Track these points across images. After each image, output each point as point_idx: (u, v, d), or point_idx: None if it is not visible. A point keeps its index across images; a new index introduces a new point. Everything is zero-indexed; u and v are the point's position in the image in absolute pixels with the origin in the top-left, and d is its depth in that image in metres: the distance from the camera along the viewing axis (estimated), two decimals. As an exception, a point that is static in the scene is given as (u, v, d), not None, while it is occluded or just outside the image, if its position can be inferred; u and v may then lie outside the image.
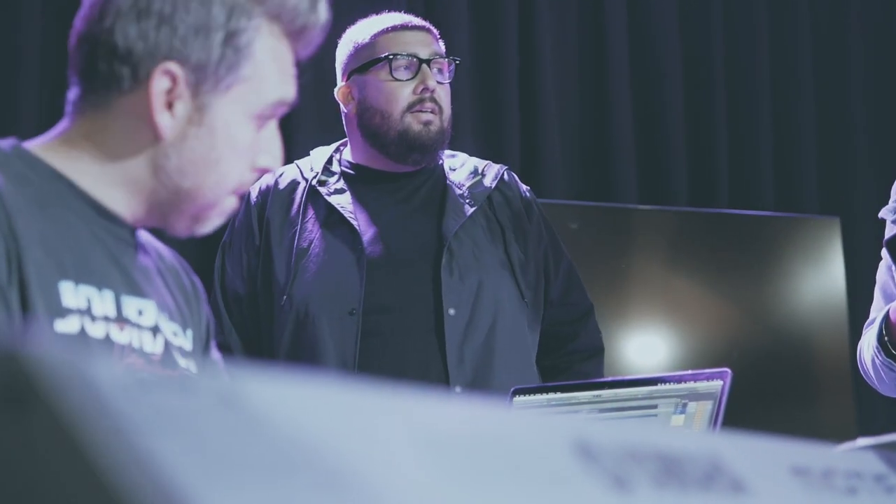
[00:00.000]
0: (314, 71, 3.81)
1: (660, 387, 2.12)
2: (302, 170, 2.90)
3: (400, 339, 2.73)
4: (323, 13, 1.59)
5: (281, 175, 2.90)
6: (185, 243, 3.16)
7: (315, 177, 2.86)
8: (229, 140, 1.52)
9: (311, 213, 2.82)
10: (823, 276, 4.45)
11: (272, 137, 1.59)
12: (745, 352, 4.26)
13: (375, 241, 2.79)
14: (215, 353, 1.79)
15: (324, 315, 2.73)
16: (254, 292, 2.84)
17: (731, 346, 4.26)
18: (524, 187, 3.02)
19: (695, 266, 4.34)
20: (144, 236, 1.68)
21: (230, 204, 1.59)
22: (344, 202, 2.82)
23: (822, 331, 4.42)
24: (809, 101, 4.95)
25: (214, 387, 0.50)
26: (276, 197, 2.86)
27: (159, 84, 1.50)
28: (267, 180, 2.89)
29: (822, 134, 5.00)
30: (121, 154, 1.53)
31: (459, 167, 2.96)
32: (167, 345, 1.58)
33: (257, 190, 2.89)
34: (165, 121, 1.50)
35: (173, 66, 1.49)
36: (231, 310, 2.86)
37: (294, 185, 2.87)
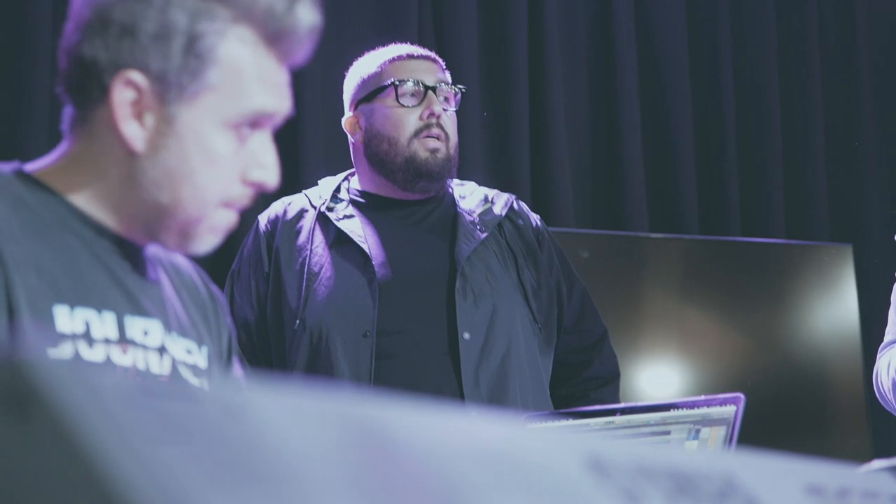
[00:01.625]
0: (321, 100, 3.84)
1: (673, 412, 2.11)
2: (310, 198, 2.91)
3: (414, 361, 2.73)
4: (305, 16, 1.53)
5: (290, 204, 2.91)
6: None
7: (324, 203, 2.87)
8: (202, 150, 1.48)
9: (320, 238, 2.83)
10: (836, 304, 4.44)
11: (264, 150, 1.54)
12: (759, 380, 4.24)
13: (386, 264, 2.79)
14: (237, 367, 1.77)
15: (337, 337, 2.72)
16: (263, 319, 2.85)
17: (744, 374, 4.24)
18: (534, 216, 3.03)
19: (707, 294, 4.32)
20: (156, 250, 1.65)
21: (224, 219, 1.54)
22: (353, 226, 2.82)
23: (836, 358, 4.40)
24: (820, 128, 4.95)
25: (219, 397, 0.50)
26: (286, 225, 2.87)
27: (121, 94, 1.47)
28: (276, 209, 2.91)
29: (833, 161, 4.99)
30: (104, 172, 1.50)
31: (469, 195, 2.96)
32: (175, 364, 1.56)
33: (266, 219, 2.90)
34: (132, 131, 1.47)
35: (134, 76, 1.46)
36: (240, 338, 2.86)
37: (302, 213, 2.88)
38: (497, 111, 4.31)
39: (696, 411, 2.09)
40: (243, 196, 1.54)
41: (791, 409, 4.32)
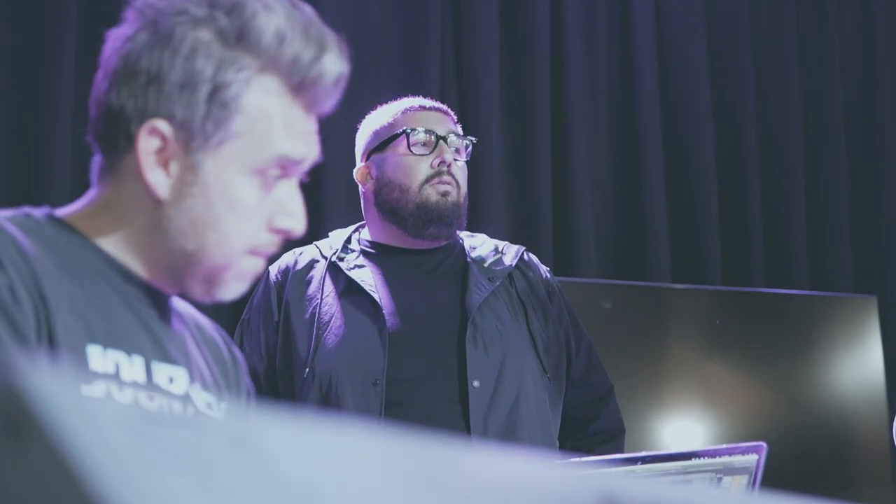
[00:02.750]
0: (344, 148, 3.84)
1: (694, 461, 2.09)
2: (321, 249, 2.92)
3: (424, 410, 2.73)
4: (331, 66, 1.54)
5: (300, 255, 2.93)
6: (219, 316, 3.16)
7: (334, 254, 2.88)
8: (227, 198, 1.48)
9: (331, 287, 2.84)
10: (861, 356, 4.41)
11: (290, 198, 1.54)
12: (783, 432, 4.21)
13: (397, 313, 2.80)
14: None
15: (347, 386, 2.72)
16: (272, 368, 2.85)
17: (767, 426, 4.21)
18: (544, 268, 3.04)
19: (730, 346, 4.30)
20: (182, 306, 1.66)
21: (251, 265, 1.54)
22: (364, 276, 2.83)
23: (860, 412, 4.36)
24: (843, 180, 4.94)
25: (223, 426, 0.49)
26: (296, 276, 2.88)
27: (147, 142, 1.47)
28: (287, 260, 2.92)
29: (857, 212, 4.98)
30: (132, 219, 1.51)
31: (479, 245, 2.98)
32: (197, 415, 1.55)
33: (276, 269, 2.91)
34: (157, 179, 1.47)
35: (160, 124, 1.47)
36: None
37: (313, 263, 2.90)
38: (519, 161, 4.31)
39: (717, 460, 2.07)
40: (270, 243, 1.54)
41: (815, 462, 4.28)
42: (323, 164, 3.73)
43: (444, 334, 2.80)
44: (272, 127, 1.51)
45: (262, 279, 2.91)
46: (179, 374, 1.54)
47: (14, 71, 3.50)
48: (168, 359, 1.53)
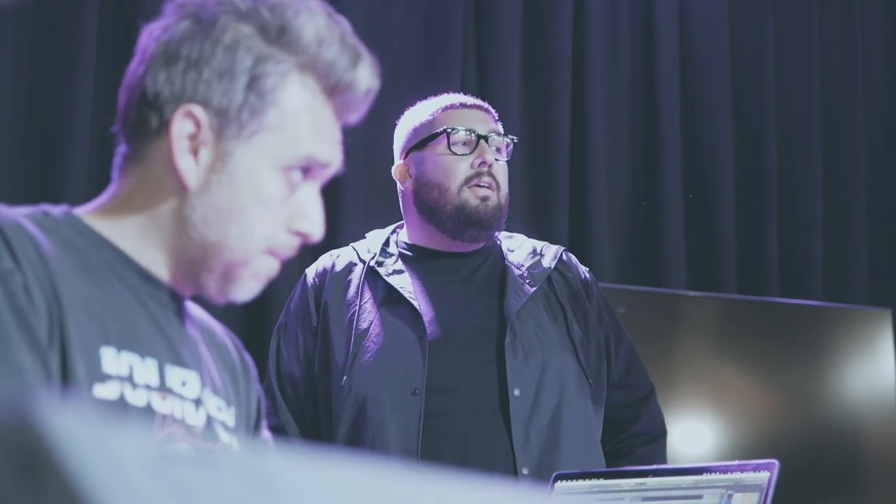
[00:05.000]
0: (362, 153, 3.84)
1: (705, 476, 2.08)
2: (359, 252, 2.88)
3: (464, 418, 2.69)
4: (365, 75, 1.55)
5: (338, 257, 2.89)
6: (231, 318, 3.16)
7: (373, 258, 2.84)
8: (253, 190, 1.49)
9: (369, 293, 2.80)
10: (873, 369, 4.40)
11: (311, 201, 1.55)
12: (794, 442, 4.21)
13: (436, 322, 2.76)
14: (266, 433, 1.76)
15: (385, 395, 2.69)
16: (311, 374, 2.82)
17: (779, 436, 4.20)
18: (583, 268, 2.99)
19: (743, 354, 4.29)
20: (195, 310, 1.66)
21: (267, 266, 1.54)
22: (403, 283, 2.79)
23: (872, 424, 4.35)
24: (860, 192, 4.93)
25: (240, 464, 0.49)
26: (334, 279, 2.84)
27: (181, 126, 1.48)
28: (324, 263, 2.89)
29: (874, 224, 4.97)
30: (154, 208, 1.51)
31: (517, 248, 2.94)
32: (209, 418, 1.55)
33: (314, 272, 2.88)
34: (188, 165, 1.48)
35: (195, 109, 1.47)
36: (286, 393, 2.83)
37: (351, 266, 2.86)
38: (537, 166, 4.31)
39: (728, 476, 2.06)
40: (288, 245, 1.54)
41: (826, 473, 4.27)
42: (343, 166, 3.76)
43: (483, 342, 2.76)
44: (303, 125, 1.52)
45: (299, 282, 2.89)
46: (192, 377, 1.54)
47: (34, 71, 3.50)
48: (181, 362, 1.53)
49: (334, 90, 1.54)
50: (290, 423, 2.81)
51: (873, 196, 4.99)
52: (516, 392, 2.70)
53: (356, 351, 2.74)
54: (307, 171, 1.53)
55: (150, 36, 1.52)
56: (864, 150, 4.98)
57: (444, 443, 2.67)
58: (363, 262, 2.85)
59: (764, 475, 2.02)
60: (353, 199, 3.88)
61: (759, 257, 4.71)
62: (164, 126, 1.49)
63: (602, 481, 2.19)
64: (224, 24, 1.49)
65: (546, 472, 2.61)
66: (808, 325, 4.40)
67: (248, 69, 1.49)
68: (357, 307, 2.78)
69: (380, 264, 2.83)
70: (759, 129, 4.78)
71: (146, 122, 1.50)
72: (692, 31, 4.74)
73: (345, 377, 2.73)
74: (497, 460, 2.67)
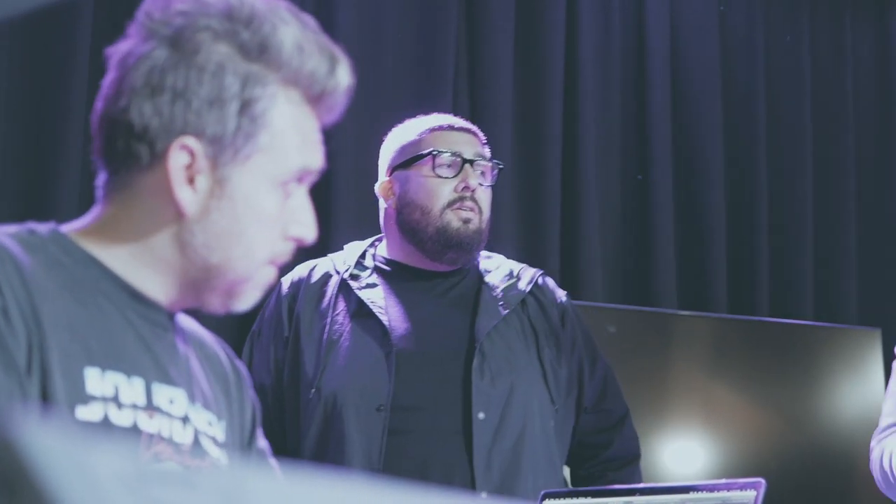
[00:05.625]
0: (354, 164, 3.85)
1: (692, 495, 2.09)
2: (335, 263, 2.89)
3: (426, 438, 2.70)
4: (344, 77, 1.56)
5: (314, 268, 2.89)
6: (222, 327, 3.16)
7: (347, 270, 2.85)
8: (253, 210, 1.50)
9: (342, 306, 2.81)
10: (863, 388, 4.40)
11: (303, 206, 1.56)
12: (784, 462, 4.21)
13: (406, 337, 2.77)
14: (262, 441, 1.76)
15: (351, 409, 2.70)
16: (280, 384, 2.82)
17: (769, 456, 4.21)
18: (560, 292, 2.98)
19: (734, 373, 4.30)
20: (185, 322, 1.65)
21: (266, 275, 1.55)
22: (375, 297, 2.80)
23: (861, 444, 4.34)
24: (851, 212, 4.94)
25: (217, 483, 0.49)
26: (308, 290, 2.85)
27: (177, 159, 1.47)
28: (300, 272, 2.89)
29: (864, 245, 4.97)
30: (148, 235, 1.51)
31: (495, 269, 2.93)
32: (197, 435, 1.55)
33: (289, 282, 2.88)
34: (187, 196, 1.48)
35: (190, 141, 1.47)
36: None
37: (326, 277, 2.86)
38: (528, 183, 4.31)
39: (715, 494, 2.06)
40: (285, 252, 1.56)
41: (815, 493, 4.28)
42: (334, 175, 3.77)
43: (451, 361, 2.76)
44: (294, 139, 1.52)
45: (274, 291, 2.89)
46: (179, 395, 1.53)
47: (26, 87, 3.50)
48: (168, 380, 1.53)
49: (318, 98, 1.56)
50: None
51: (863, 216, 5.00)
52: (480, 416, 2.70)
53: (325, 363, 2.75)
54: (299, 179, 1.55)
55: (125, 64, 1.51)
56: (855, 169, 4.99)
57: (404, 462, 2.67)
58: (338, 273, 2.86)
59: (750, 494, 2.02)
60: (346, 205, 3.86)
61: (750, 277, 4.71)
62: (156, 158, 1.48)
63: (590, 500, 2.19)
64: (206, 49, 1.49)
65: (505, 497, 2.62)
66: (799, 344, 4.41)
67: (237, 94, 1.49)
68: (329, 319, 2.79)
69: (354, 277, 2.84)
70: (749, 147, 4.79)
71: (135, 155, 1.49)
72: (683, 48, 4.75)
73: (313, 389, 2.73)
74: (455, 483, 2.66)
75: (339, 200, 3.87)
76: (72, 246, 1.51)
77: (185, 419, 1.53)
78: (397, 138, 2.92)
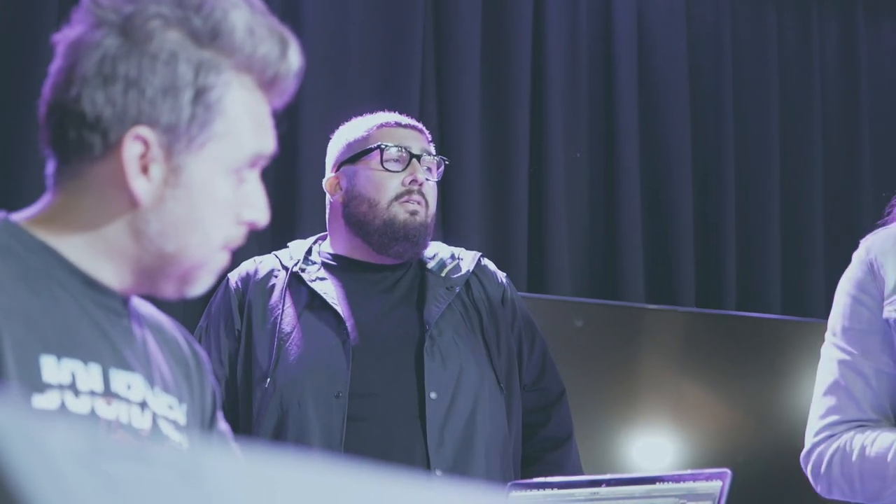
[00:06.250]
0: (320, 157, 3.84)
1: (658, 486, 2.09)
2: (281, 259, 2.92)
3: (384, 422, 2.74)
4: (294, 60, 1.56)
5: (260, 263, 2.92)
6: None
7: (296, 264, 2.87)
8: (209, 198, 1.49)
9: (292, 299, 2.83)
10: (830, 382, 4.42)
11: (255, 191, 1.55)
12: (751, 455, 4.22)
13: (359, 327, 2.80)
14: (222, 424, 1.76)
15: (309, 398, 2.73)
16: (233, 377, 2.84)
17: (736, 449, 4.22)
18: (501, 273, 3.03)
19: (701, 367, 4.31)
20: (142, 306, 1.65)
21: (220, 260, 1.55)
22: (327, 289, 2.83)
23: (828, 437, 4.37)
24: (818, 205, 4.95)
25: (174, 460, 0.49)
26: (257, 284, 2.87)
27: (131, 149, 1.46)
28: (247, 268, 2.92)
29: (831, 238, 4.99)
30: (101, 223, 1.50)
31: (435, 255, 2.97)
32: (156, 419, 1.55)
33: (237, 276, 2.90)
34: (141, 186, 1.47)
35: (144, 131, 1.46)
36: None
37: (273, 272, 2.89)
38: (496, 180, 4.32)
39: (681, 485, 2.07)
40: (238, 236, 1.55)
41: (782, 485, 4.29)
42: (301, 174, 3.77)
43: (404, 348, 2.81)
44: (248, 126, 1.52)
45: (220, 286, 2.91)
46: (136, 380, 1.53)
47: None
48: (125, 365, 1.52)
49: (271, 83, 1.55)
50: None
51: (830, 210, 5.02)
52: (433, 395, 2.75)
53: (280, 354, 2.77)
54: (251, 164, 1.54)
55: (75, 52, 1.49)
56: (822, 164, 5.01)
57: (364, 447, 2.71)
58: (286, 268, 2.88)
59: (716, 484, 2.03)
60: (312, 201, 3.85)
61: (718, 270, 4.73)
62: (109, 148, 1.47)
63: (556, 491, 2.19)
64: (158, 37, 1.48)
65: (459, 475, 2.66)
66: (766, 338, 4.42)
67: (190, 83, 1.48)
68: (280, 311, 2.81)
69: (303, 271, 2.87)
70: (717, 142, 4.80)
71: (88, 144, 1.48)
72: (650, 42, 4.76)
73: (269, 379, 2.75)
74: (416, 465, 2.71)
75: (306, 199, 3.86)
76: (24, 234, 1.49)
77: (143, 404, 1.53)
78: (344, 135, 2.96)
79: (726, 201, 4.76)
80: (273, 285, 2.86)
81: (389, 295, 2.89)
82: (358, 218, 2.85)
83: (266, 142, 1.56)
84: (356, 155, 2.89)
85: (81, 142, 1.48)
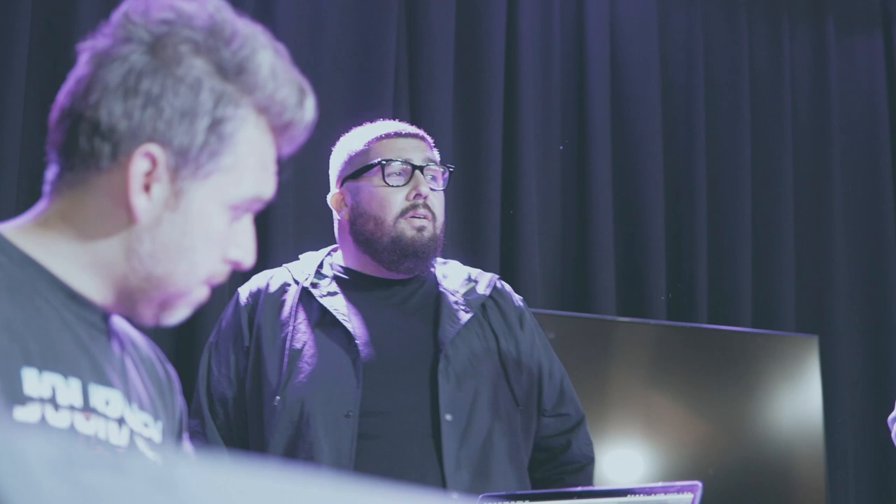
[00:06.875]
0: (293, 173, 3.84)
1: (630, 498, 2.10)
2: (293, 273, 2.86)
3: (396, 442, 2.68)
4: (310, 111, 1.57)
5: (272, 278, 2.87)
6: (160, 334, 3.15)
7: (307, 279, 2.83)
8: (203, 228, 1.49)
9: (303, 314, 2.78)
10: (801, 395, 4.44)
11: (246, 231, 1.56)
12: (721, 468, 4.23)
13: (370, 344, 2.75)
14: (187, 445, 1.76)
15: (319, 416, 2.67)
16: (242, 394, 2.79)
17: (706, 461, 4.23)
18: (517, 296, 2.99)
19: (672, 380, 4.32)
20: (120, 323, 1.65)
21: (201, 294, 1.55)
22: (337, 304, 2.78)
23: (798, 449, 4.39)
24: (788, 220, 4.98)
25: (148, 469, 0.49)
26: (268, 299, 2.82)
27: (139, 165, 1.46)
28: (258, 282, 2.87)
29: (802, 253, 5.02)
30: (95, 236, 1.50)
31: (452, 274, 2.93)
32: (132, 436, 1.55)
33: (247, 292, 2.85)
34: (142, 203, 1.47)
35: (155, 149, 1.46)
36: (216, 412, 2.80)
37: (285, 287, 2.84)
38: (469, 192, 4.32)
39: (653, 498, 2.07)
40: (222, 273, 1.55)
41: (752, 498, 4.30)
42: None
43: (416, 366, 2.75)
44: (254, 166, 1.52)
45: (231, 301, 2.87)
46: (115, 396, 1.53)
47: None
48: (105, 381, 1.52)
49: (284, 128, 1.56)
50: (218, 443, 2.78)
51: (801, 223, 5.04)
52: (448, 417, 2.69)
53: (290, 371, 2.72)
54: (248, 206, 1.54)
55: (100, 62, 1.49)
56: (793, 177, 5.03)
57: (376, 467, 2.65)
58: (297, 283, 2.83)
59: (687, 497, 2.04)
60: (283, 219, 3.86)
61: (689, 283, 4.74)
62: (117, 160, 1.47)
63: (528, 503, 2.19)
64: (187, 62, 1.48)
65: (476, 497, 2.62)
66: (737, 351, 4.43)
67: (209, 111, 1.48)
68: (291, 328, 2.76)
69: (314, 286, 2.81)
70: (688, 154, 4.82)
71: (97, 153, 1.47)
72: (623, 58, 4.78)
73: (278, 397, 2.70)
74: (429, 485, 2.65)
75: (279, 199, 3.84)
76: (8, 245, 1.49)
77: (120, 421, 1.53)
78: (345, 148, 2.90)
79: (697, 214, 4.77)
80: (284, 300, 2.81)
81: (401, 310, 2.84)
82: (365, 236, 2.80)
83: (267, 186, 1.56)
84: (358, 171, 2.84)
85: (91, 150, 1.48)
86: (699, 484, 2.04)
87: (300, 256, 2.95)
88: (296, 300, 2.80)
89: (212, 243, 1.51)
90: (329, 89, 4.05)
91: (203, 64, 1.49)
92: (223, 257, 1.54)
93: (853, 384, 5.03)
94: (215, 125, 1.49)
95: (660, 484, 2.12)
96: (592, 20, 4.68)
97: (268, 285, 2.85)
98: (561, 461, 2.96)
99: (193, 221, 1.49)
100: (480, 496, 2.27)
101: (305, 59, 3.97)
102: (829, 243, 5.07)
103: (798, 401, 4.44)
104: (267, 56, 1.52)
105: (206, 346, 2.87)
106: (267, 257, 3.59)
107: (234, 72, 1.50)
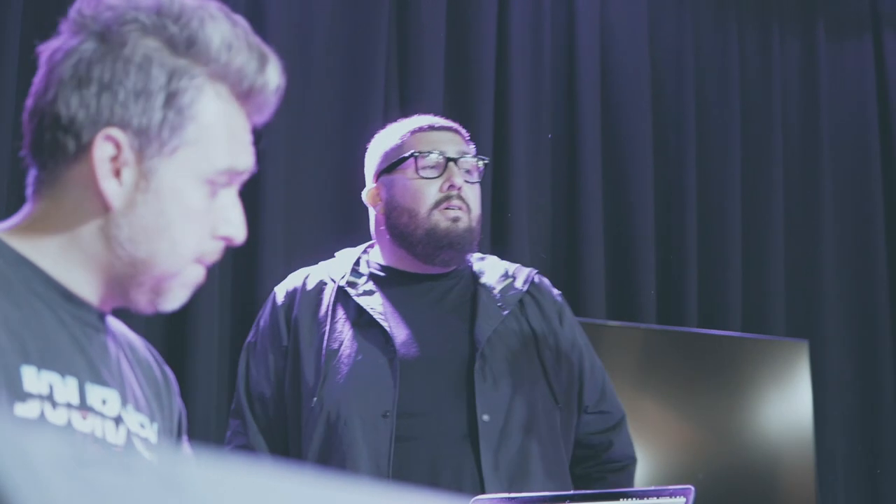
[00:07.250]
0: (284, 162, 3.84)
1: (622, 502, 2.09)
2: (329, 271, 2.86)
3: (433, 443, 2.66)
4: (273, 75, 1.57)
5: (308, 276, 2.86)
6: (151, 337, 3.15)
7: (344, 277, 2.82)
8: (179, 204, 1.50)
9: (340, 314, 2.77)
10: (790, 399, 4.44)
11: (232, 206, 1.56)
12: (711, 472, 4.23)
13: (407, 344, 2.74)
14: (187, 448, 1.76)
15: (356, 417, 2.66)
16: (281, 394, 2.78)
17: (696, 466, 4.23)
18: (555, 291, 2.98)
19: (662, 384, 4.32)
20: (116, 325, 1.65)
21: (195, 274, 1.55)
22: (374, 304, 2.77)
23: (788, 454, 4.39)
24: (779, 224, 4.99)
25: (155, 468, 0.49)
26: (304, 298, 2.81)
27: (102, 150, 1.47)
28: (294, 282, 2.86)
29: (791, 257, 5.02)
30: (75, 228, 1.50)
31: (489, 270, 2.91)
32: (129, 436, 1.55)
33: (284, 291, 2.85)
34: (112, 188, 1.47)
35: (115, 132, 1.47)
36: (256, 413, 2.80)
37: (322, 286, 2.83)
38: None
39: (645, 501, 2.07)
40: (214, 251, 1.56)
41: (742, 502, 4.30)
42: (264, 174, 3.76)
43: (453, 366, 2.73)
44: (221, 136, 1.53)
45: (268, 301, 2.87)
46: (112, 395, 1.53)
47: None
48: (101, 381, 1.52)
49: (247, 95, 1.56)
50: (259, 443, 2.78)
51: (791, 228, 5.05)
52: (485, 418, 2.67)
53: (327, 371, 2.71)
54: (227, 179, 1.54)
55: (53, 59, 1.51)
56: (783, 182, 5.04)
57: (413, 467, 2.64)
58: (334, 281, 2.82)
59: (680, 501, 2.03)
60: (275, 207, 3.84)
61: (679, 288, 4.74)
62: (83, 150, 1.48)
63: (520, 507, 2.19)
64: (133, 42, 1.49)
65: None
66: (727, 355, 4.44)
67: (163, 86, 1.49)
68: (328, 327, 2.75)
69: (351, 284, 2.80)
70: (678, 158, 4.83)
71: (62, 146, 1.49)
72: (613, 65, 4.78)
73: (315, 398, 2.69)
74: (465, 486, 2.63)
75: (269, 198, 3.85)
76: (1, 246, 1.50)
77: (117, 420, 1.53)
78: (380, 144, 2.90)
79: (687, 219, 4.78)
80: (321, 299, 2.80)
81: (439, 307, 2.83)
82: (400, 229, 2.80)
83: (241, 157, 1.55)
84: (392, 164, 2.83)
85: (56, 144, 1.49)
86: (692, 488, 2.03)
87: (336, 254, 2.95)
88: (332, 299, 2.79)
89: (190, 219, 1.51)
90: (319, 86, 4.05)
91: (152, 42, 1.50)
92: (212, 234, 1.54)
93: (843, 388, 5.04)
94: (171, 99, 1.49)
95: (652, 487, 2.12)
96: (583, 26, 4.69)
97: (304, 284, 2.85)
98: (603, 459, 2.94)
99: (166, 199, 1.49)
100: (474, 499, 2.26)
101: (295, 58, 3.97)
102: (819, 248, 5.08)
103: (788, 405, 4.44)
104: (218, 26, 1.52)
105: (245, 347, 2.87)
106: (257, 245, 3.60)
107: (184, 45, 1.50)
